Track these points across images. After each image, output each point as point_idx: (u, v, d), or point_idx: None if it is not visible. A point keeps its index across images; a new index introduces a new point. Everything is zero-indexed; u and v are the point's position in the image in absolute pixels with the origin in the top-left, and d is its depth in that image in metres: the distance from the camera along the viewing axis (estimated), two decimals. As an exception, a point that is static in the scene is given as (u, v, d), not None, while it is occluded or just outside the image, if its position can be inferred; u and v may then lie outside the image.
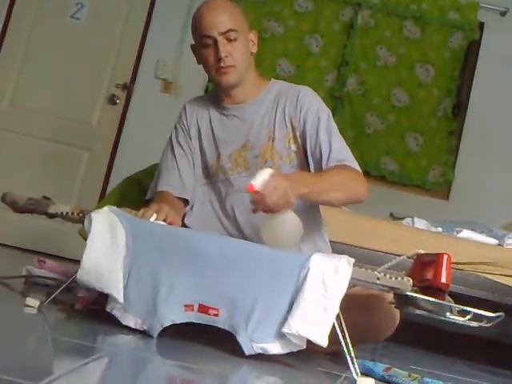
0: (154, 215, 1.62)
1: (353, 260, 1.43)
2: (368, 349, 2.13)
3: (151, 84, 4.21)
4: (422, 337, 3.30)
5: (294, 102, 1.91)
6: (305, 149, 1.89)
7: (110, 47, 4.22)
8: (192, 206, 1.94)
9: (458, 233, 2.86)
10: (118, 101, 4.18)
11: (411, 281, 1.40)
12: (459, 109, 4.13)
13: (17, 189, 3.93)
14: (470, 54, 4.16)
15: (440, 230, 2.98)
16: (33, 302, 1.55)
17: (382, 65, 4.16)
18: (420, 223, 2.98)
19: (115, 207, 1.55)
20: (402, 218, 3.20)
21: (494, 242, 2.82)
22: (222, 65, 1.84)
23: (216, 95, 1.99)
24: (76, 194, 4.14)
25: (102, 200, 2.75)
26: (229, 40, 1.84)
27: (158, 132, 4.12)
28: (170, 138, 2.03)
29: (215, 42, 1.84)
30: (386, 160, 4.10)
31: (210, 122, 1.97)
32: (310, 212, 1.89)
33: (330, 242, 2.79)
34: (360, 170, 1.85)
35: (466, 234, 2.82)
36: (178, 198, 1.90)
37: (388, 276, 1.40)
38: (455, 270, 2.56)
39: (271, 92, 1.96)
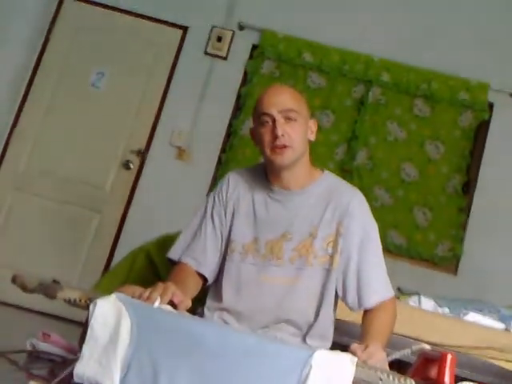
0: (158, 299, 1.60)
1: (356, 359, 1.43)
2: None
3: (166, 151, 4.30)
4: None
5: (345, 207, 1.86)
6: (337, 258, 1.85)
7: (127, 115, 4.35)
8: (217, 279, 1.90)
9: (464, 315, 2.85)
10: (132, 166, 4.27)
11: (414, 383, 1.40)
12: (468, 186, 4.17)
13: (28, 247, 4.02)
14: (480, 132, 4.23)
15: (447, 310, 2.96)
16: (36, 387, 1.55)
17: (392, 140, 4.22)
18: (427, 303, 2.97)
19: (123, 295, 1.56)
20: (409, 295, 3.19)
21: (501, 326, 2.80)
22: (277, 143, 1.78)
23: (264, 174, 1.94)
24: (84, 255, 4.19)
25: (109, 271, 2.75)
26: (287, 120, 1.80)
27: (170, 197, 4.22)
28: (206, 207, 1.96)
29: (274, 121, 1.80)
30: (393, 233, 4.11)
31: (253, 203, 1.91)
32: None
33: (336, 320, 2.77)
34: (393, 295, 1.89)
35: (472, 317, 2.81)
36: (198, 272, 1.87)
37: (391, 377, 1.40)
38: (461, 354, 2.55)
39: (321, 185, 1.90)
